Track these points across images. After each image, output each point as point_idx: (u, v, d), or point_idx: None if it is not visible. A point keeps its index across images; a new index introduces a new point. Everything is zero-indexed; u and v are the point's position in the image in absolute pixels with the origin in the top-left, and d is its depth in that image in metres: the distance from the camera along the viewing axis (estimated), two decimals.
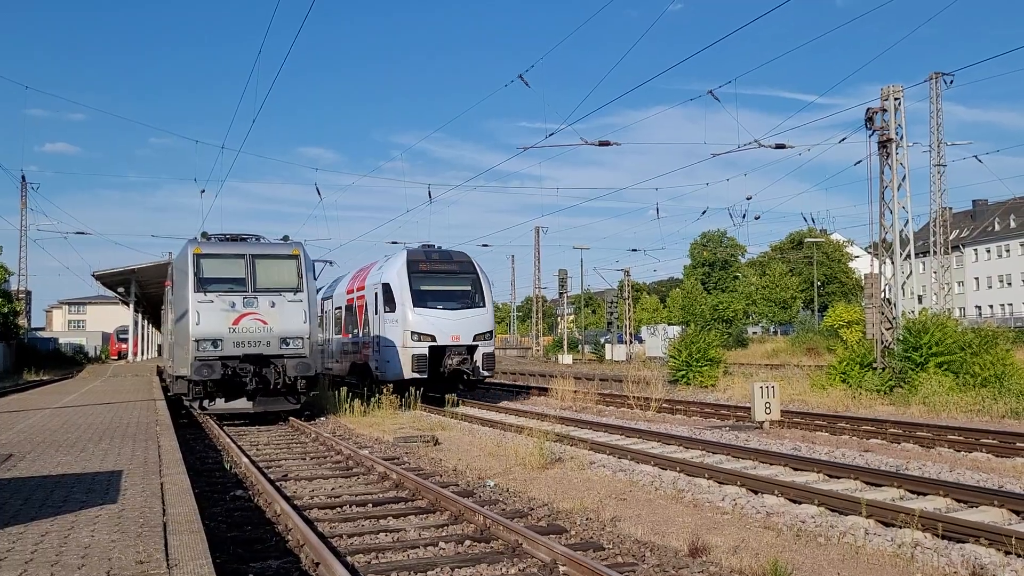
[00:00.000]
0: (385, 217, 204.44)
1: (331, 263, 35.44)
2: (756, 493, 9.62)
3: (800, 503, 9.05)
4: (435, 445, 14.84)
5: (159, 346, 55.30)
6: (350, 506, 9.56)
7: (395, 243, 48.43)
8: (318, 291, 30.15)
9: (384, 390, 21.42)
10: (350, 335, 27.05)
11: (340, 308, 28.75)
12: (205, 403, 18.69)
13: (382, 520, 8.81)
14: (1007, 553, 6.59)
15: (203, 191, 55.13)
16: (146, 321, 65.96)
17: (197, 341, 17.95)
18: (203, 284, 18.38)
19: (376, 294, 23.72)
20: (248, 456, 13.29)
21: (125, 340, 60.51)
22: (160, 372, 34.93)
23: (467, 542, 7.71)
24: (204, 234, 19.98)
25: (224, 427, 18.17)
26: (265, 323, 18.41)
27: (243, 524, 8.70)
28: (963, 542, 7.09)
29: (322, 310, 29.99)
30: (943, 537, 7.27)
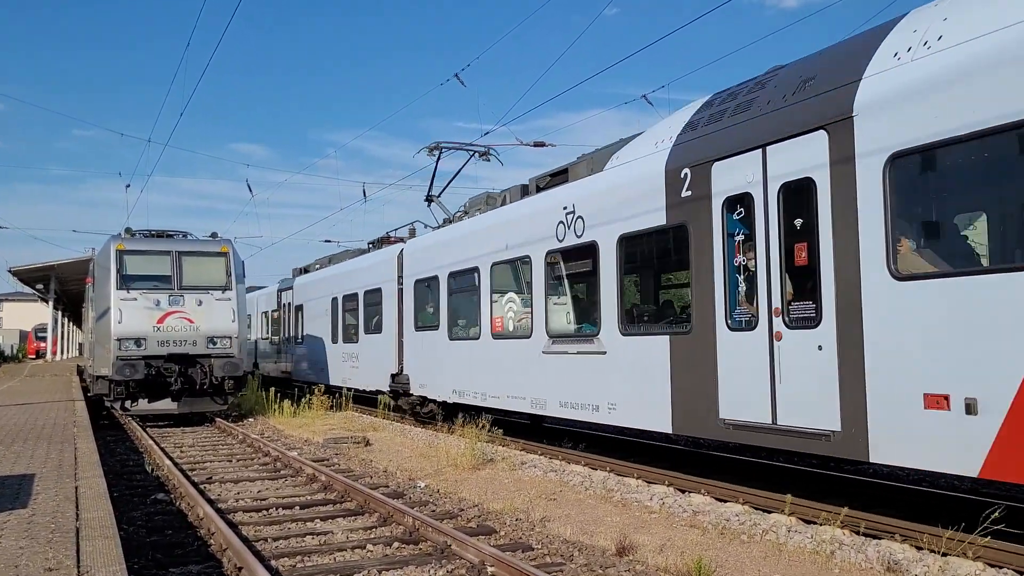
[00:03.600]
0: (319, 215, 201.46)
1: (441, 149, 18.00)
2: (684, 492, 9.75)
3: (726, 501, 9.20)
4: (366, 446, 14.68)
5: (80, 345, 53.52)
6: (276, 509, 9.37)
7: (329, 241, 47.70)
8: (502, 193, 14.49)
9: (315, 389, 20.95)
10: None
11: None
12: (127, 404, 18.22)
13: (309, 523, 8.66)
14: (919, 549, 6.82)
15: (128, 185, 53.77)
16: (66, 319, 63.71)
17: (119, 340, 17.52)
18: (126, 281, 17.99)
19: None
20: (171, 458, 12.94)
21: (44, 339, 58.45)
22: (80, 372, 33.79)
23: (396, 544, 7.63)
24: (128, 230, 19.48)
25: (147, 428, 17.69)
26: (191, 322, 18.09)
27: (163, 528, 8.46)
28: (879, 539, 7.31)
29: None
30: (862, 534, 7.48)
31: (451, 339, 15.13)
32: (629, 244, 10.33)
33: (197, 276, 18.54)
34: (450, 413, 15.67)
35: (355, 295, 20.57)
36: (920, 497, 9.11)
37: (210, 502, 9.36)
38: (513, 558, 6.66)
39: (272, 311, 30.22)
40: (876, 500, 9.02)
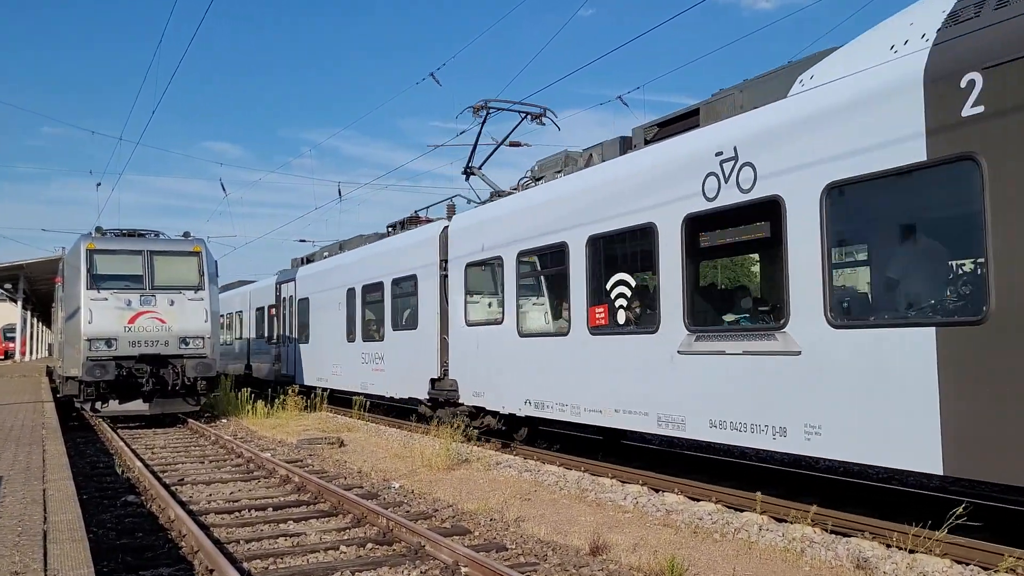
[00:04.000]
0: (293, 214, 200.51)
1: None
2: (657, 491, 9.81)
3: (699, 500, 9.27)
4: (340, 447, 14.61)
5: (50, 345, 52.82)
6: (249, 510, 9.30)
7: (303, 241, 47.42)
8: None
9: (289, 389, 20.78)
10: None
11: None
12: (98, 405, 18.03)
13: (282, 524, 8.61)
14: (888, 546, 6.91)
15: (99, 184, 52.67)
16: (36, 319, 62.82)
17: (89, 340, 17.36)
18: (96, 281, 17.82)
19: None
20: (142, 460, 12.82)
21: (13, 339, 57.65)
22: (50, 373, 33.33)
23: (369, 545, 7.61)
24: (99, 229, 19.28)
25: (118, 430, 17.51)
26: (163, 322, 17.97)
27: (134, 531, 8.38)
28: (849, 536, 7.40)
29: None
30: (832, 532, 7.57)
31: (522, 335, 12.10)
32: (844, 195, 7.17)
33: (169, 276, 18.41)
34: (512, 428, 13.22)
35: (379, 284, 17.45)
36: (889, 495, 9.23)
37: (181, 504, 9.27)
38: (487, 558, 6.67)
39: (269, 307, 26.86)
40: (846, 498, 9.14)
